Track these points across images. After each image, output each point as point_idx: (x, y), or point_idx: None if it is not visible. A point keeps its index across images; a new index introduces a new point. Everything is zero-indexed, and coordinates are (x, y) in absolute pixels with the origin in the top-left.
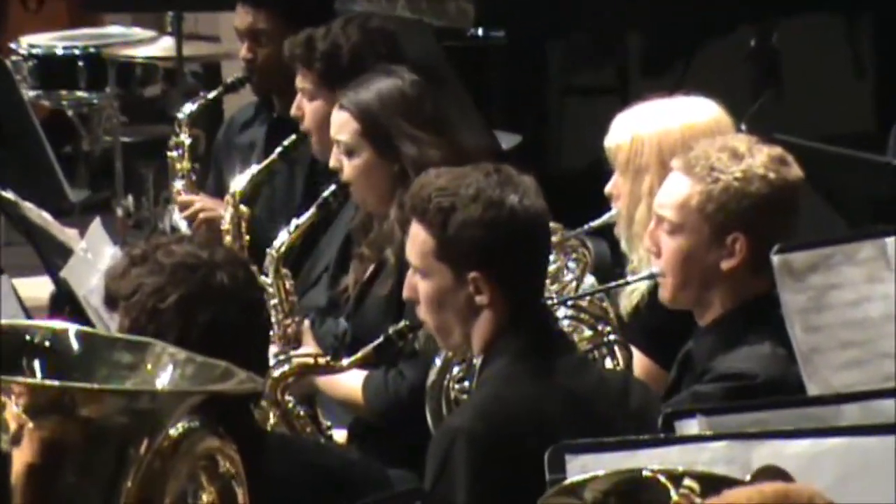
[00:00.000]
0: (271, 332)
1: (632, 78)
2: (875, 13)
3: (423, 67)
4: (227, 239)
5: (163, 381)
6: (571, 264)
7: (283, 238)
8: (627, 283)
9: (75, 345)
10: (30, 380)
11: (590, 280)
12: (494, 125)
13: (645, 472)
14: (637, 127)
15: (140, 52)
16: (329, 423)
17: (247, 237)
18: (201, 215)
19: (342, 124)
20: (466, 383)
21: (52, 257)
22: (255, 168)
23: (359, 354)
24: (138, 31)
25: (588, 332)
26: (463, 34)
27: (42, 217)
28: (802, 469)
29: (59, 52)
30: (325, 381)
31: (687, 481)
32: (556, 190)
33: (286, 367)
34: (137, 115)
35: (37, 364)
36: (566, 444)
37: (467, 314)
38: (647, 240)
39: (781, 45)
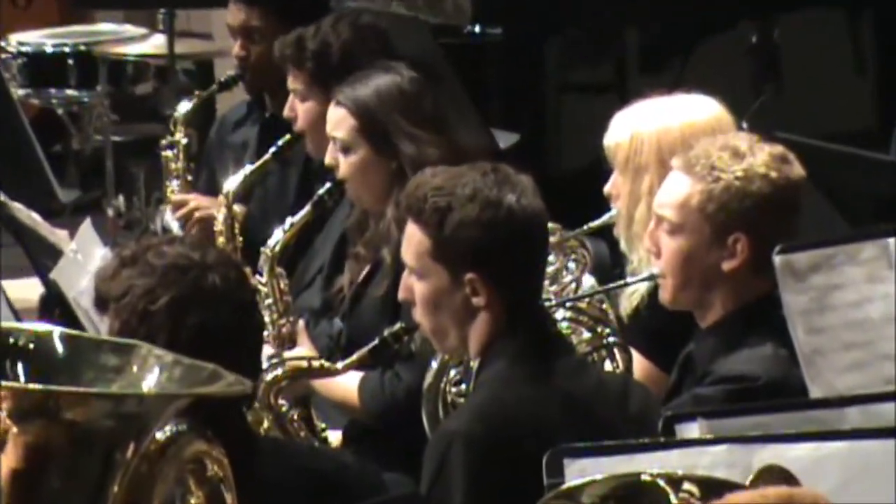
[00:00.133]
0: (266, 333)
1: (631, 75)
2: (877, 8)
3: (419, 65)
4: (221, 239)
5: (149, 383)
6: (571, 265)
7: (277, 237)
8: (627, 285)
9: (60, 348)
10: (13, 384)
11: (589, 281)
12: (492, 123)
13: (644, 477)
14: (636, 125)
15: (131, 50)
16: (324, 426)
17: (240, 238)
18: (196, 214)
19: (339, 121)
20: (463, 386)
21: (41, 258)
22: (248, 168)
23: (354, 357)
24: (129, 29)
25: (587, 335)
26: (460, 31)
27: (31, 217)
28: (805, 473)
29: (49, 49)
30: (320, 383)
31: (686, 485)
32: (555, 189)
33: (279, 371)
34: (128, 113)
35: (20, 367)
36: (564, 448)
37: (464, 316)
38: (647, 240)
39: (782, 41)
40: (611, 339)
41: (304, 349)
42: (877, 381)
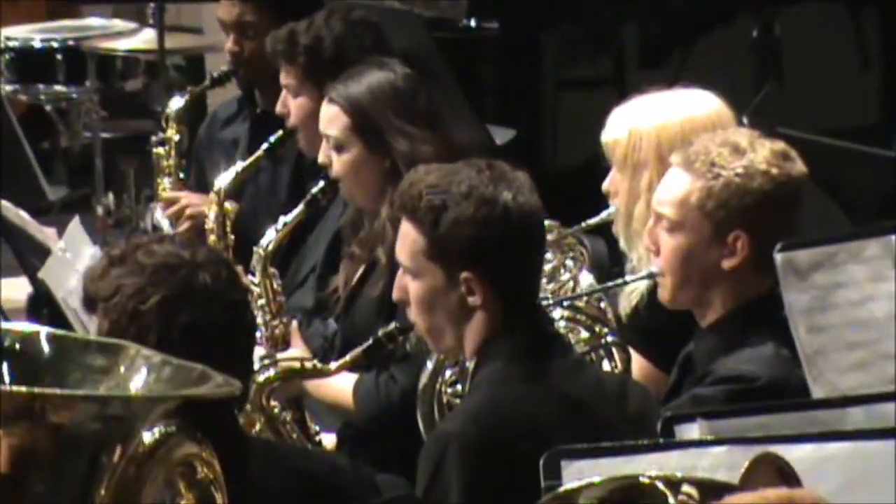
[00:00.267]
0: (258, 334)
1: (629, 70)
2: (881, 1)
3: (413, 60)
4: (212, 237)
5: (137, 384)
6: (569, 263)
7: (270, 236)
8: (626, 283)
9: (46, 348)
10: None
11: (587, 279)
12: (487, 119)
13: (642, 479)
14: (635, 121)
15: (121, 45)
16: (317, 429)
17: (232, 236)
18: (187, 211)
19: (332, 118)
20: (459, 387)
21: (29, 257)
22: (239, 165)
23: (347, 358)
24: (119, 23)
25: (585, 334)
26: (455, 25)
27: (19, 216)
28: (807, 474)
29: (37, 44)
30: (314, 385)
31: (685, 487)
32: (552, 187)
33: (271, 372)
34: (118, 109)
35: (5, 368)
36: (562, 450)
37: (459, 315)
38: (646, 238)
39: (784, 35)
40: (609, 338)
41: (297, 350)
42: (880, 380)
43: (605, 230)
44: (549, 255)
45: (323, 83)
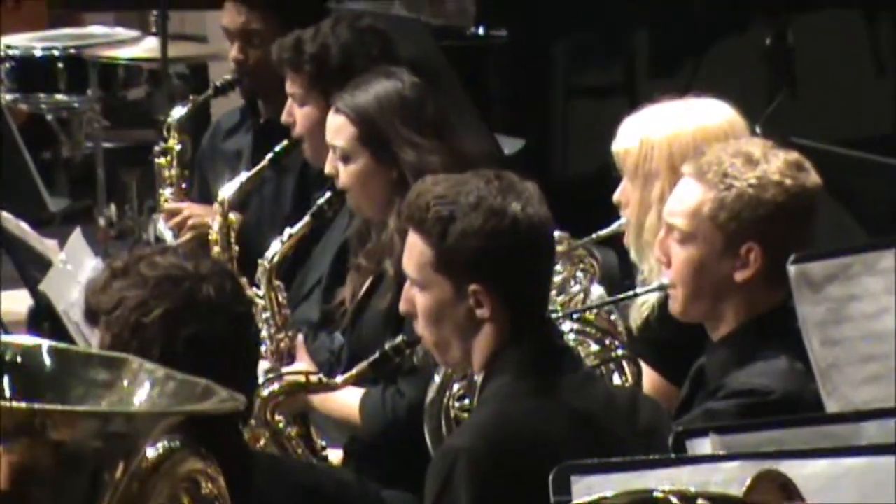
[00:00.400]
0: (263, 348)
1: (641, 78)
2: (895, 8)
3: (421, 68)
4: (216, 249)
5: (140, 399)
6: (579, 275)
7: (275, 248)
8: (636, 295)
9: (48, 361)
10: None
11: (598, 291)
12: (496, 129)
13: (656, 493)
14: (646, 130)
15: (123, 53)
16: (323, 443)
17: (236, 247)
18: (190, 222)
19: (338, 129)
20: (467, 401)
21: (30, 269)
22: (244, 175)
23: (353, 371)
24: (121, 32)
25: (595, 347)
26: (463, 33)
27: (20, 227)
28: (821, 490)
29: (38, 53)
30: (320, 400)
31: (700, 502)
32: (562, 197)
33: (276, 386)
34: (120, 119)
35: (6, 382)
36: (571, 465)
37: (467, 328)
38: (657, 249)
39: (797, 44)
40: (619, 351)
41: (302, 364)
42: (893, 395)
43: (615, 241)
44: (558, 267)
45: (329, 92)
